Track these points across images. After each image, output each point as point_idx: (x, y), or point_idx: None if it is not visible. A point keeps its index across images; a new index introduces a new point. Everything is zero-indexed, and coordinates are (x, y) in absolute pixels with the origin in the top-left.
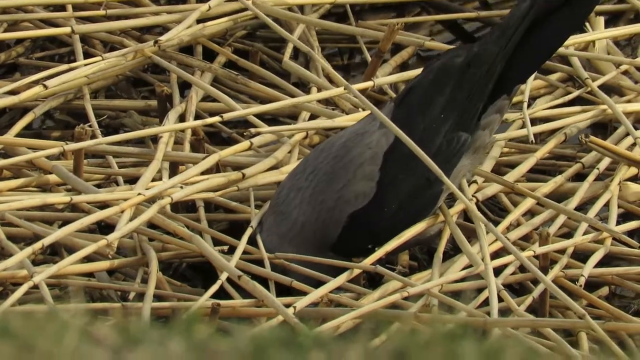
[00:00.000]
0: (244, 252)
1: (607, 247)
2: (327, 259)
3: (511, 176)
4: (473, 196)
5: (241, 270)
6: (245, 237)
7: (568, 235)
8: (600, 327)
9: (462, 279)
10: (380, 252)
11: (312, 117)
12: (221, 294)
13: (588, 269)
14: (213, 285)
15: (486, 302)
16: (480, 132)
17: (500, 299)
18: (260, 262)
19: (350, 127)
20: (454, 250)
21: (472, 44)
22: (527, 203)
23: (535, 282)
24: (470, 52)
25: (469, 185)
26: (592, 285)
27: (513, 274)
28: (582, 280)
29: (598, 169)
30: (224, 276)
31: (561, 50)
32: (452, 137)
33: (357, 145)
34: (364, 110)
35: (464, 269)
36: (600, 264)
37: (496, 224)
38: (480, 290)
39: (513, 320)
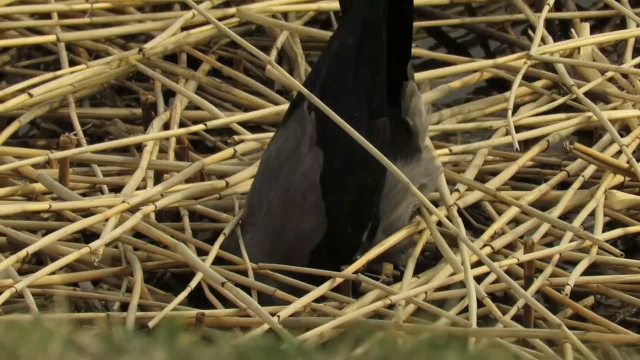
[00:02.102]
0: (229, 262)
1: (593, 256)
2: (311, 269)
3: (492, 183)
4: (455, 204)
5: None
6: (217, 243)
7: (553, 243)
8: (580, 338)
9: (446, 287)
10: (361, 261)
11: None
12: (205, 304)
13: (574, 277)
14: (194, 293)
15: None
16: (409, 120)
17: (484, 306)
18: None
19: (282, 138)
20: (435, 260)
21: (346, 16)
22: (512, 211)
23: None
24: (357, 33)
25: (450, 193)
26: (578, 294)
27: (496, 281)
28: (568, 289)
29: (583, 176)
30: (198, 277)
31: (546, 57)
32: (371, 129)
33: (295, 175)
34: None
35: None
36: (586, 272)
37: (481, 232)
38: (464, 298)
39: (493, 330)
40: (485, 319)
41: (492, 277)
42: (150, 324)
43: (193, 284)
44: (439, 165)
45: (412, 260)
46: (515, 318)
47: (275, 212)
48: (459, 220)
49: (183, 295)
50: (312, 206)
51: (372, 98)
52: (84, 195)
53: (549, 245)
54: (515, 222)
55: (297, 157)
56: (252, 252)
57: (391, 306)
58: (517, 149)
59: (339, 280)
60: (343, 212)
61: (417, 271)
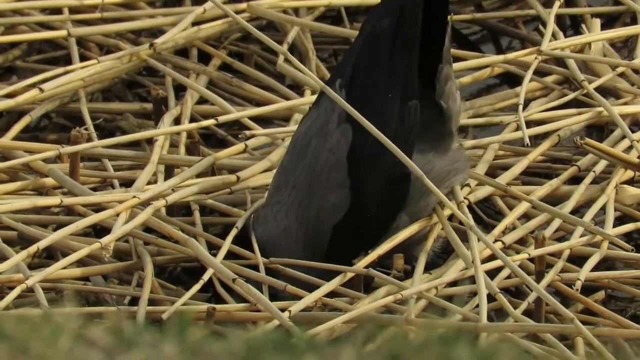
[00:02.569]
0: (240, 257)
1: (604, 251)
2: (322, 264)
3: (503, 178)
4: (465, 198)
5: (236, 273)
6: (230, 238)
7: (564, 238)
8: (591, 332)
9: (456, 283)
10: (372, 256)
11: None
12: (216, 298)
13: (584, 272)
14: (206, 288)
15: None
16: (443, 104)
17: (495, 301)
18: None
19: (313, 117)
20: (446, 254)
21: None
22: (523, 206)
23: None
24: (394, 15)
25: (461, 188)
26: (589, 289)
27: (509, 277)
28: (579, 284)
29: (594, 171)
30: (208, 273)
31: (557, 52)
32: (402, 111)
33: (322, 152)
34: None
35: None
36: (597, 267)
37: (492, 227)
38: (476, 293)
39: (504, 325)
40: (497, 313)
41: (504, 272)
42: (164, 315)
43: (206, 277)
44: (467, 156)
45: (424, 255)
46: (526, 313)
47: (302, 187)
48: (469, 215)
49: (195, 289)
50: (337, 183)
51: (405, 81)
52: (94, 189)
53: (561, 240)
54: (526, 217)
55: (325, 134)
56: (276, 228)
57: (402, 301)
58: (527, 144)
59: (349, 275)
60: (368, 192)
61: (427, 267)
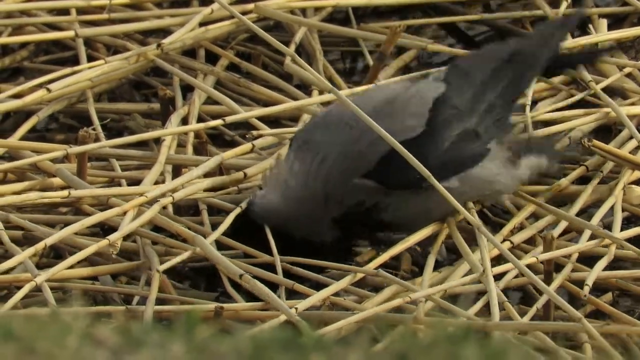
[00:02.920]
0: (249, 255)
1: (612, 253)
2: (332, 263)
3: None
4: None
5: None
6: (231, 216)
7: (573, 238)
8: (599, 331)
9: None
10: (383, 257)
11: None
12: (225, 297)
13: (592, 277)
14: (214, 286)
15: (487, 307)
16: (521, 162)
17: (503, 309)
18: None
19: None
20: (456, 253)
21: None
22: (531, 206)
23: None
24: (515, 45)
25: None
26: (598, 289)
27: (517, 277)
28: (587, 290)
29: (602, 172)
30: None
31: (564, 52)
32: (498, 104)
33: (404, 94)
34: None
35: (466, 274)
36: (605, 267)
37: (500, 226)
38: (482, 293)
39: (512, 323)
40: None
41: (513, 272)
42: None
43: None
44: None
45: (432, 257)
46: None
47: (368, 111)
48: (479, 222)
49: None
50: (416, 113)
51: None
52: None
53: (570, 240)
54: (534, 216)
55: (413, 82)
56: (313, 141)
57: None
58: None
59: (359, 275)
60: (442, 134)
61: (437, 266)
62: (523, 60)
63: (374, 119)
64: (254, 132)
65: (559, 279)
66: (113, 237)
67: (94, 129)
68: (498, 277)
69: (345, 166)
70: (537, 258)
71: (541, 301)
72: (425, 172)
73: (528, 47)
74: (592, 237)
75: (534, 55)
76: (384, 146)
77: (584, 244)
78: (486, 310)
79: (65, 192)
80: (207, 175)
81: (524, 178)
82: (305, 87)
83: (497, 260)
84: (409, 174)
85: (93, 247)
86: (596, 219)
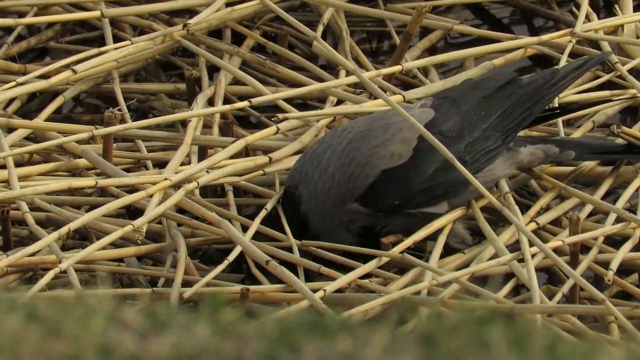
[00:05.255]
0: (273, 239)
1: (637, 236)
2: (356, 247)
3: (537, 167)
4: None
5: (269, 255)
6: (258, 219)
7: (599, 219)
8: (624, 314)
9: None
10: (408, 242)
11: (340, 100)
12: (250, 279)
13: (617, 260)
14: (239, 269)
15: (515, 290)
16: (522, 149)
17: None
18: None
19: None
20: (480, 235)
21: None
22: (557, 188)
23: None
24: (512, 76)
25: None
26: (623, 271)
27: (543, 258)
28: (611, 275)
29: None
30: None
31: (590, 34)
32: (490, 135)
33: (396, 117)
34: (393, 93)
35: (491, 258)
36: (632, 248)
37: (526, 208)
38: (509, 276)
39: (538, 306)
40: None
41: (539, 255)
42: (185, 295)
43: (231, 258)
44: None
45: (442, 238)
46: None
47: (358, 130)
48: (516, 208)
49: (219, 269)
50: (405, 139)
51: (504, 118)
52: (127, 170)
53: (596, 221)
54: (560, 198)
55: (404, 108)
56: (319, 162)
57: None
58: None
59: (384, 259)
60: (428, 160)
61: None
62: (525, 96)
63: (364, 138)
64: (280, 116)
65: (584, 262)
66: (138, 222)
67: (119, 110)
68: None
69: (338, 191)
70: (563, 241)
71: (567, 285)
72: (450, 155)
73: (533, 81)
74: (617, 220)
75: (536, 89)
76: (374, 172)
77: (609, 227)
78: (514, 291)
79: (92, 181)
80: (232, 156)
81: (524, 162)
82: (331, 68)
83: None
84: (391, 200)
85: (119, 232)
86: (622, 201)
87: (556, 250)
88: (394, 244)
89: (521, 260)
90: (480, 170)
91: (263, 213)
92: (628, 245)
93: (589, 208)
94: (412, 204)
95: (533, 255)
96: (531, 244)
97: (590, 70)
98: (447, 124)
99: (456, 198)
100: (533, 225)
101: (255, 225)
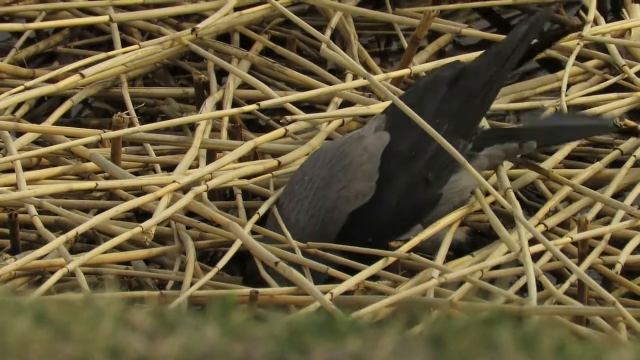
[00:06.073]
0: (279, 242)
1: None
2: (362, 248)
3: (546, 164)
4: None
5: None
6: (251, 222)
7: (607, 222)
8: (633, 315)
9: (499, 266)
10: (414, 241)
11: (349, 103)
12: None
13: (625, 255)
14: (247, 274)
15: (524, 288)
16: (480, 155)
17: (540, 286)
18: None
19: (344, 135)
20: (487, 237)
21: (459, 62)
22: (565, 190)
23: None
24: (458, 68)
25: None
26: (631, 272)
27: (551, 260)
28: (619, 267)
29: (635, 155)
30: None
31: (598, 37)
32: (450, 142)
33: (353, 149)
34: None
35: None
36: (639, 250)
37: (533, 210)
38: (519, 276)
39: (548, 307)
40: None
41: (547, 255)
42: (187, 294)
43: (228, 256)
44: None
45: (449, 236)
46: (570, 297)
47: (320, 177)
48: (517, 203)
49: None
50: (366, 174)
51: (460, 119)
52: (136, 174)
53: (604, 223)
54: (568, 200)
55: (358, 138)
56: (289, 217)
57: (446, 284)
58: None
59: (391, 259)
60: (392, 189)
61: (458, 250)
62: (467, 85)
63: (328, 174)
64: (288, 117)
65: (590, 258)
66: (147, 224)
67: (128, 114)
68: (533, 260)
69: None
70: (571, 237)
71: (573, 277)
72: (460, 158)
73: (471, 69)
74: (626, 219)
75: (478, 77)
76: (342, 217)
77: (617, 223)
78: (523, 290)
79: (92, 183)
80: (240, 160)
81: (484, 167)
82: (340, 71)
83: (531, 244)
84: (365, 239)
85: (127, 233)
86: (629, 201)
87: (564, 252)
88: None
89: (533, 260)
90: (445, 184)
91: (255, 217)
92: (636, 239)
93: (596, 210)
94: (385, 237)
95: (540, 255)
96: (533, 243)
97: (597, 74)
98: (404, 144)
99: (427, 218)
100: (541, 228)
101: (248, 227)
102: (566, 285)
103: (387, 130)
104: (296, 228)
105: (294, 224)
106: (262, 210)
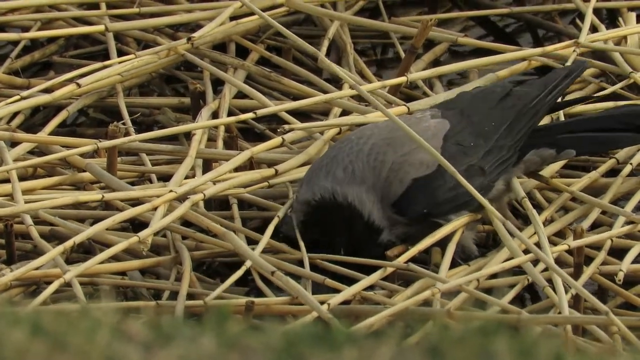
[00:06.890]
0: (280, 251)
1: None
2: (361, 259)
3: (543, 173)
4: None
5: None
6: (269, 230)
7: (603, 231)
8: (627, 325)
9: (495, 275)
10: (413, 251)
11: (345, 112)
12: (255, 292)
13: (626, 263)
14: (245, 281)
15: (519, 298)
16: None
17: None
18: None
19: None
20: (484, 247)
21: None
22: (561, 199)
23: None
24: (508, 88)
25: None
26: (628, 282)
27: (546, 269)
28: (621, 275)
29: (631, 164)
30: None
31: (596, 44)
32: (502, 145)
33: (415, 125)
34: (396, 105)
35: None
36: (637, 260)
37: (529, 220)
38: (513, 286)
39: (544, 317)
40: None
41: (541, 265)
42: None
43: (240, 272)
44: None
45: (452, 245)
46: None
47: (381, 137)
48: (534, 211)
49: (233, 279)
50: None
51: (511, 131)
52: (132, 184)
53: (600, 232)
54: (564, 209)
55: (420, 118)
56: (338, 163)
57: (443, 294)
58: None
59: (389, 270)
60: (455, 169)
61: (461, 260)
62: (523, 105)
63: (389, 145)
64: (285, 126)
65: (590, 269)
66: (143, 234)
67: (124, 124)
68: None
69: (375, 193)
70: (568, 245)
71: (570, 293)
72: (452, 168)
73: (529, 92)
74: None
75: (533, 100)
76: (407, 179)
77: (616, 230)
78: (518, 299)
79: (98, 195)
80: (237, 169)
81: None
82: (336, 81)
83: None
84: (420, 208)
85: (123, 243)
86: (627, 210)
87: (560, 261)
88: (398, 256)
89: (535, 262)
90: (498, 179)
91: (275, 220)
92: (637, 248)
93: (592, 219)
94: (438, 213)
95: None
96: (527, 252)
97: (594, 82)
98: (463, 134)
99: (476, 206)
100: (537, 238)
101: (267, 236)
102: (567, 296)
103: (445, 118)
104: (349, 180)
105: (344, 176)
106: (281, 213)
